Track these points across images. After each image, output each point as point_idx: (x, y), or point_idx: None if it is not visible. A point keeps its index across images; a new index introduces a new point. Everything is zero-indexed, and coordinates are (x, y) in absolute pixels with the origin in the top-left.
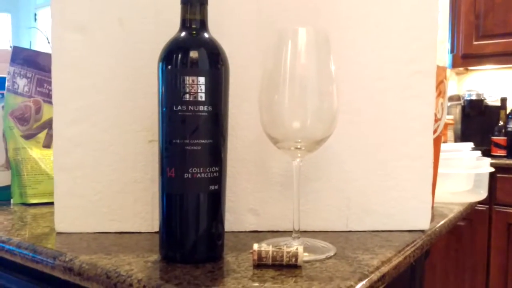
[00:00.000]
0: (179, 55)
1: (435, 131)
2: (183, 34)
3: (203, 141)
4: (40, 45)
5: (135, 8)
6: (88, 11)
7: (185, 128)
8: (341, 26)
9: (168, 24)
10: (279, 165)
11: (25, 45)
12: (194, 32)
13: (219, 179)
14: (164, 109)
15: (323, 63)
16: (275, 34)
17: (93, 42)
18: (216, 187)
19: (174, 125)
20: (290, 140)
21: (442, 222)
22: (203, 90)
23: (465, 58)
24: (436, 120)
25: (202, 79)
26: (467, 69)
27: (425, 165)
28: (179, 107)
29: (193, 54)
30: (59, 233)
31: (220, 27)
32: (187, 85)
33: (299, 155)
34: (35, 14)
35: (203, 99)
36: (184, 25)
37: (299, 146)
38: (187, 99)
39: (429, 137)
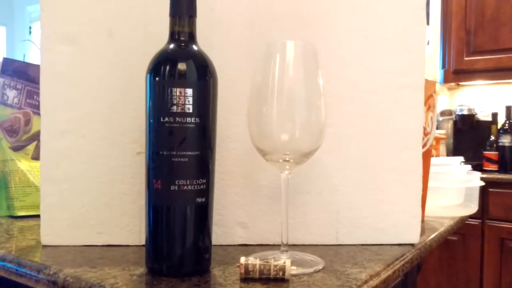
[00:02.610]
0: (167, 67)
1: (424, 145)
2: (171, 46)
3: (190, 153)
4: (34, 57)
5: (124, 20)
6: (78, 22)
7: (172, 140)
8: (331, 38)
9: (157, 36)
10: (268, 177)
11: (19, 57)
12: (183, 44)
13: (206, 192)
14: (151, 120)
15: (311, 76)
16: (264, 47)
17: (83, 54)
18: (203, 199)
19: (161, 136)
20: (279, 153)
21: (432, 236)
22: (191, 102)
23: (456, 74)
24: (426, 134)
25: (189, 91)
26: (458, 85)
27: (414, 179)
28: (167, 119)
29: (181, 66)
30: (45, 246)
31: (209, 39)
32: (175, 97)
33: (287, 167)
34: (30, 27)
35: (191, 111)
36: (173, 37)
37: (287, 159)
38: (175, 111)
39: (418, 151)
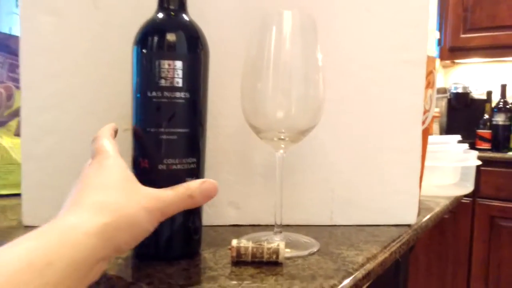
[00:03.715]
0: (155, 38)
1: (423, 123)
2: (159, 15)
3: (179, 130)
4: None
5: None
6: None
7: (160, 116)
8: (330, 10)
9: (146, 6)
10: (262, 156)
11: (5, 31)
12: (172, 13)
13: (196, 171)
14: (138, 95)
15: (309, 49)
16: (259, 18)
17: (67, 25)
18: (194, 179)
19: (149, 112)
20: (273, 130)
21: (428, 216)
22: (180, 75)
23: (452, 51)
24: (425, 111)
25: (179, 64)
26: (453, 62)
27: (413, 158)
28: (154, 93)
29: (170, 36)
30: (27, 227)
31: (201, 10)
32: (163, 70)
33: (282, 146)
34: (17, 0)
35: (180, 84)
36: (162, 6)
37: (282, 137)
38: (163, 85)
39: (418, 130)
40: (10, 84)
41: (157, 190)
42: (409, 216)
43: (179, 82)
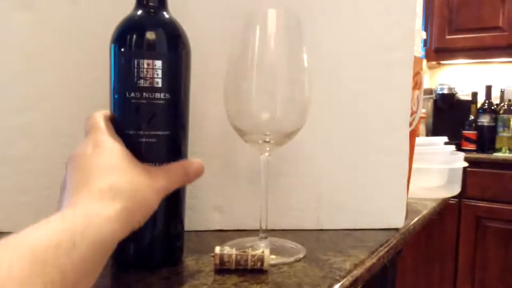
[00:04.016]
0: (134, 36)
1: (410, 124)
2: (139, 12)
3: (159, 132)
4: None
5: None
6: None
7: (139, 118)
8: (316, 9)
9: (126, 3)
10: (247, 159)
11: None
12: (152, 10)
13: None
14: (116, 96)
15: (295, 49)
16: (243, 16)
17: (42, 22)
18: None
19: (127, 114)
20: (258, 133)
21: (416, 219)
22: (160, 75)
23: (437, 52)
24: (412, 113)
25: (159, 63)
26: (439, 63)
27: (400, 161)
28: (133, 94)
29: (150, 35)
30: (2, 233)
31: (182, 7)
32: (142, 70)
33: (267, 148)
34: None
35: (160, 85)
36: (141, 2)
37: (267, 139)
38: (142, 85)
39: (405, 131)
40: None
41: (157, 169)
42: (396, 219)
43: (158, 82)
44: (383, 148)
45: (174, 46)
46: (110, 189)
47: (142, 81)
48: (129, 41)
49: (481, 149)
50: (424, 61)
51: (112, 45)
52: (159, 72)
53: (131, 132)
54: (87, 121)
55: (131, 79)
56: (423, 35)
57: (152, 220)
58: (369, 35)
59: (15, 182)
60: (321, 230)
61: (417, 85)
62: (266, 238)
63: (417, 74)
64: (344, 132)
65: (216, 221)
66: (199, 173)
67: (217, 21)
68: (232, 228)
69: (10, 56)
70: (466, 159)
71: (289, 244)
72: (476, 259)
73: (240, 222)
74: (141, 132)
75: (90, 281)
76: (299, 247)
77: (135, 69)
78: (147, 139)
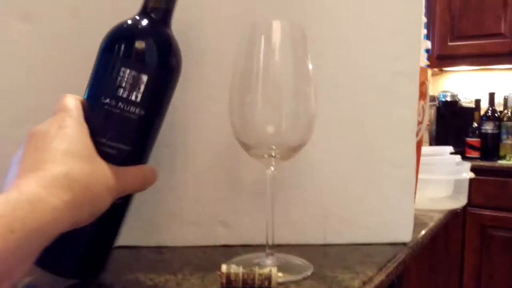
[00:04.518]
0: (128, 43)
1: (416, 135)
2: (141, 21)
3: (122, 146)
4: None
5: None
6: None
7: (106, 125)
8: (321, 18)
9: (127, 16)
10: (251, 172)
11: None
12: (153, 23)
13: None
14: (90, 95)
15: (300, 61)
16: (247, 28)
17: (43, 34)
18: (120, 200)
19: (96, 117)
20: (264, 147)
21: (423, 232)
22: (141, 90)
23: (440, 59)
24: (418, 123)
25: (144, 78)
26: (442, 70)
27: (407, 173)
28: (108, 100)
29: (143, 48)
30: None
31: (187, 18)
32: (125, 79)
33: (273, 163)
34: None
35: (138, 100)
36: (145, 11)
37: (273, 154)
38: (120, 95)
39: (412, 143)
40: None
41: (116, 169)
42: (404, 233)
43: (138, 97)
44: (390, 161)
45: (165, 66)
46: (65, 177)
47: (121, 91)
48: (121, 47)
49: (485, 156)
50: (429, 71)
51: (104, 44)
52: (142, 87)
53: (94, 138)
54: (60, 100)
55: (111, 85)
56: (428, 44)
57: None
58: (374, 45)
59: None
60: (328, 245)
61: (422, 95)
62: (272, 254)
63: (422, 84)
64: (350, 144)
65: (221, 236)
66: (154, 180)
67: (223, 34)
68: (237, 243)
69: (10, 68)
70: (470, 167)
71: (296, 260)
72: (482, 268)
73: (246, 237)
74: (103, 140)
75: (24, 267)
76: (306, 264)
77: (119, 77)
78: (107, 149)
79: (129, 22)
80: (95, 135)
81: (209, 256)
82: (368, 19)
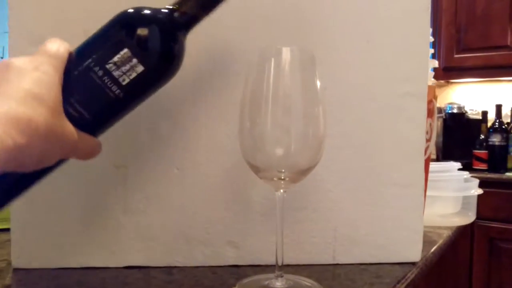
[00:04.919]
0: (140, 27)
1: (424, 153)
2: (165, 15)
3: (86, 114)
4: None
5: (102, 20)
6: (50, 22)
7: (81, 89)
8: (330, 41)
9: None
10: (261, 193)
11: None
12: (174, 23)
13: None
14: (80, 56)
15: (308, 83)
16: (257, 51)
17: None
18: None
19: (76, 78)
20: (273, 169)
21: (432, 250)
22: (132, 77)
23: (446, 71)
24: (426, 141)
25: (140, 68)
26: (448, 82)
27: (416, 193)
28: (96, 68)
29: (154, 39)
30: (16, 269)
31: (203, 41)
32: (122, 60)
33: (282, 185)
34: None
35: (124, 83)
36: (174, 10)
37: (282, 177)
38: (109, 69)
39: (421, 163)
40: None
41: (76, 130)
42: (413, 253)
43: (125, 79)
44: (399, 181)
45: (164, 69)
46: (27, 121)
47: (113, 67)
48: (136, 31)
49: (492, 168)
50: (436, 89)
51: (122, 17)
52: (133, 75)
53: (63, 92)
54: (50, 40)
55: (106, 56)
56: (435, 63)
57: None
58: (383, 67)
59: (28, 217)
60: (337, 264)
61: (430, 112)
62: (282, 276)
63: (430, 102)
64: (359, 164)
65: (230, 257)
66: (98, 153)
67: (233, 56)
68: (246, 264)
69: None
70: (478, 179)
71: (306, 282)
72: (490, 281)
73: (255, 258)
74: (71, 100)
75: None
76: (315, 286)
77: (118, 55)
78: (70, 109)
79: (156, 13)
80: (65, 90)
81: (218, 277)
82: (377, 42)
